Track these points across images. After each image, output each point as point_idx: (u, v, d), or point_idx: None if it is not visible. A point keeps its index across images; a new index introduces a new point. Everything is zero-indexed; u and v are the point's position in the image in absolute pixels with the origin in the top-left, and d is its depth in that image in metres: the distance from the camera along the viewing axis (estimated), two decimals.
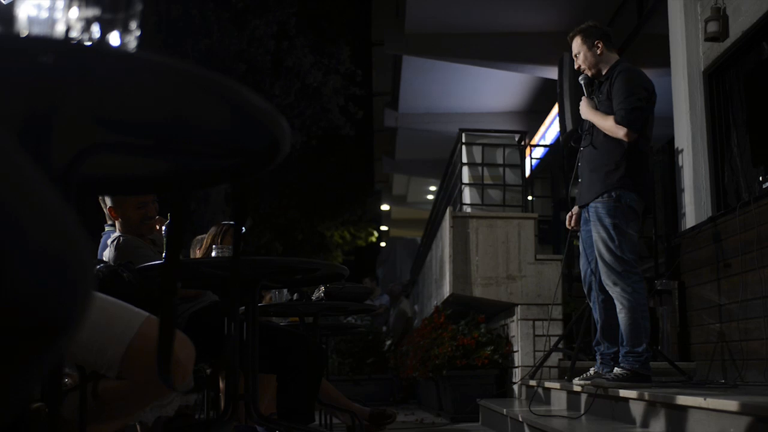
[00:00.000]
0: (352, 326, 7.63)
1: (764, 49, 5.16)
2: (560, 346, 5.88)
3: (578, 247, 4.55)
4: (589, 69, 4.34)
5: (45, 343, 0.60)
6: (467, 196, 7.51)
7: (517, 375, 6.26)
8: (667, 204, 6.58)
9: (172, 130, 1.02)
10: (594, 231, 4.18)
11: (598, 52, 4.32)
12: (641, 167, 4.20)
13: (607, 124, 4.15)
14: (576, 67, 4.44)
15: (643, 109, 4.12)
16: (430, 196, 17.95)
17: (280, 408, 3.50)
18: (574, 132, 4.60)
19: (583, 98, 4.37)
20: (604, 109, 4.22)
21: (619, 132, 4.09)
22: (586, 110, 4.32)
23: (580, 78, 4.42)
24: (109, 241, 3.48)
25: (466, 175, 7.54)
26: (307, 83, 12.54)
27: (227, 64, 11.44)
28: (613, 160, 4.16)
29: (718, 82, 5.70)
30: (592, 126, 4.30)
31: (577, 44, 4.38)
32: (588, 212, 4.28)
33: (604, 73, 4.33)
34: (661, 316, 5.78)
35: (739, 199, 5.07)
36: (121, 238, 3.43)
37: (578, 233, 4.55)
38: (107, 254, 3.42)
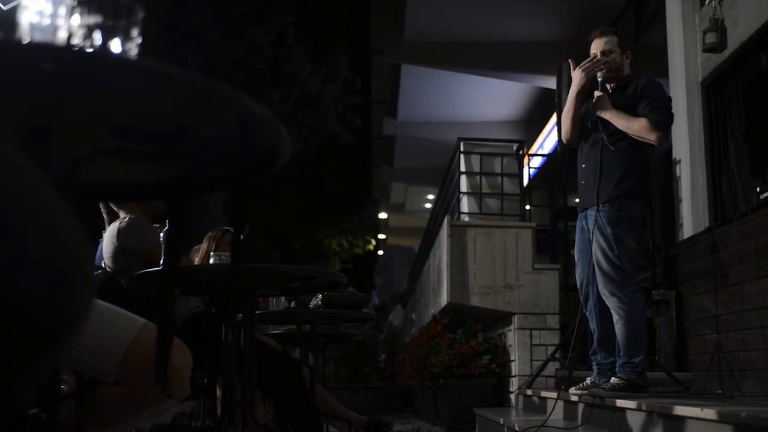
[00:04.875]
0: (349, 334, 7.61)
1: (762, 61, 5.18)
2: (557, 355, 5.88)
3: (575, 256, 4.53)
4: (611, 71, 4.20)
5: (42, 350, 0.60)
6: (465, 204, 7.53)
7: (514, 384, 6.25)
8: (664, 214, 6.59)
9: (172, 137, 1.03)
10: (594, 239, 4.14)
11: (627, 62, 4.27)
12: (647, 176, 4.19)
13: (636, 125, 4.01)
14: (596, 62, 4.19)
15: (671, 119, 4.12)
16: (428, 205, 17.97)
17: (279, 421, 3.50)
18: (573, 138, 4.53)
19: (601, 94, 4.16)
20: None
21: (652, 135, 3.98)
22: (605, 106, 4.11)
23: (600, 76, 4.19)
24: (115, 224, 3.51)
25: (464, 183, 7.56)
26: (306, 91, 12.56)
27: (226, 71, 11.45)
28: (622, 168, 4.09)
29: (716, 93, 5.72)
30: (600, 130, 4.23)
31: (611, 42, 4.22)
32: (586, 219, 4.25)
33: (615, 84, 4.25)
34: (659, 326, 5.78)
35: (737, 210, 5.09)
36: (127, 217, 3.47)
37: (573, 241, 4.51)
38: (109, 234, 3.45)
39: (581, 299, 4.40)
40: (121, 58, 0.89)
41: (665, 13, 6.28)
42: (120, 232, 3.41)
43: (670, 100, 4.18)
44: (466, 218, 7.29)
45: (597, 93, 4.18)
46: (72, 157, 1.01)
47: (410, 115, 13.40)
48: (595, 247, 4.13)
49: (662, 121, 4.02)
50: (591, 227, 4.14)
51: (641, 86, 4.13)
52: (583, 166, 4.31)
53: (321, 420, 3.71)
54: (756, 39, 5.09)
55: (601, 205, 4.10)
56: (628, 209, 4.08)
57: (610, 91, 4.25)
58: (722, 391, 4.64)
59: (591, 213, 4.16)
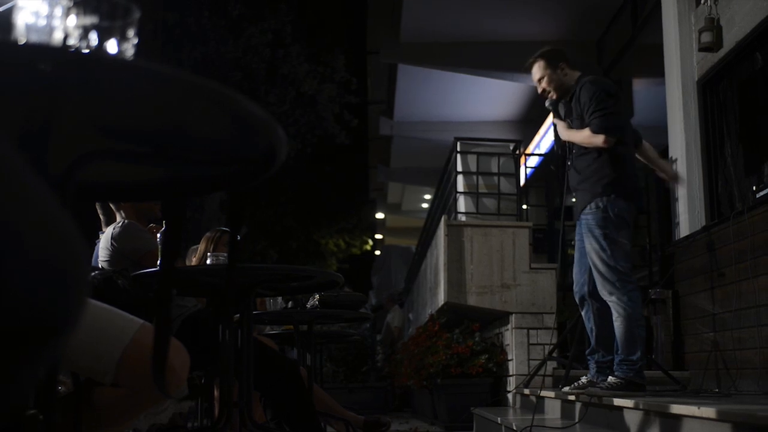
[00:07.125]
0: (346, 334, 7.62)
1: (757, 60, 5.19)
2: (554, 354, 5.88)
3: (573, 255, 4.55)
4: (556, 91, 4.35)
5: (37, 348, 0.60)
6: (462, 204, 7.52)
7: (512, 384, 6.25)
8: (661, 213, 6.60)
9: (170, 137, 1.03)
10: (586, 242, 4.18)
11: (564, 73, 4.34)
12: (624, 173, 4.20)
13: (583, 135, 4.17)
14: (540, 91, 4.42)
15: (613, 113, 4.13)
16: (425, 205, 17.95)
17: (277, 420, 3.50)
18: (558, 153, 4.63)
19: (557, 121, 4.39)
20: (578, 126, 4.24)
21: (597, 140, 4.09)
22: (563, 131, 4.34)
23: (546, 103, 4.42)
24: (110, 228, 3.54)
25: (461, 183, 7.55)
26: (303, 91, 12.56)
27: (223, 71, 11.45)
28: (595, 171, 4.17)
29: (712, 92, 5.72)
30: (573, 145, 4.33)
31: (539, 69, 4.37)
32: (581, 224, 4.29)
33: (570, 93, 4.35)
34: (655, 325, 5.79)
35: (733, 209, 5.09)
36: (122, 222, 3.50)
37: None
38: (104, 239, 3.47)
39: (576, 299, 4.42)
40: (118, 58, 0.89)
41: (661, 12, 6.28)
42: (114, 238, 3.43)
43: (607, 96, 4.17)
44: (463, 218, 7.29)
45: (554, 121, 4.38)
46: (69, 158, 1.01)
47: (407, 115, 13.37)
48: (588, 249, 4.16)
49: (601, 123, 4.10)
50: (583, 231, 4.22)
51: (577, 95, 4.25)
52: (570, 176, 4.42)
53: (319, 420, 3.71)
54: (751, 38, 5.09)
55: (588, 207, 4.16)
56: (615, 208, 4.10)
57: (569, 103, 4.36)
58: (719, 390, 4.65)
59: (583, 218, 4.22)
